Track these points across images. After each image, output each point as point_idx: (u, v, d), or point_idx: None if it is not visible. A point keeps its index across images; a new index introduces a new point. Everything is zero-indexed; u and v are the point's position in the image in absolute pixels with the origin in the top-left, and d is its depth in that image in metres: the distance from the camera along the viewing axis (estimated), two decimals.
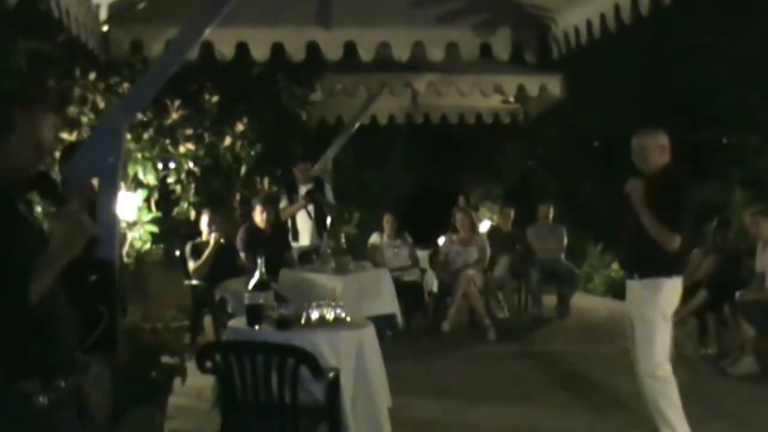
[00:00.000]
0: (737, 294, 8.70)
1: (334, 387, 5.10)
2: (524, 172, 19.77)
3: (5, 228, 2.82)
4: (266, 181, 11.08)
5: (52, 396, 2.77)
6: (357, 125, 13.12)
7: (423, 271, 10.91)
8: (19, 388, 2.70)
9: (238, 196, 11.02)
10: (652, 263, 5.81)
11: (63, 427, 2.79)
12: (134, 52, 7.81)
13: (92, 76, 9.09)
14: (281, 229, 10.06)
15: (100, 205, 5.51)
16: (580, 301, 12.52)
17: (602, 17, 6.94)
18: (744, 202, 12.88)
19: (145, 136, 9.60)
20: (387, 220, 10.81)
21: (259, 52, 7.90)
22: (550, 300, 12.00)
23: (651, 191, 5.74)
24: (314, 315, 5.64)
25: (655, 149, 5.87)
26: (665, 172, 5.86)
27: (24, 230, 2.89)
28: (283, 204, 10.40)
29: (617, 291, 12.70)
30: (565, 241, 12.22)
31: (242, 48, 7.87)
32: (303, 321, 5.58)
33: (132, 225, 9.19)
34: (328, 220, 10.69)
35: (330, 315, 5.68)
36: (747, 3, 14.15)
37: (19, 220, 2.91)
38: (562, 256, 12.18)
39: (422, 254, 11.28)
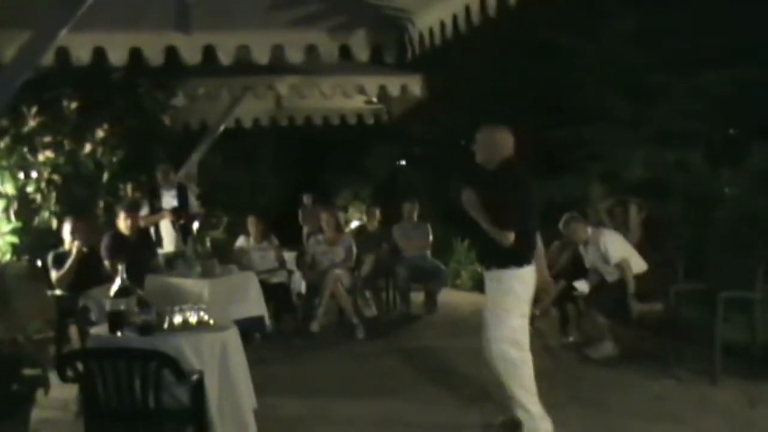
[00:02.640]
0: (578, 287, 9.17)
1: (198, 390, 5.14)
2: (392, 172, 20.05)
3: None
4: (129, 187, 10.96)
5: None
6: (221, 129, 13.10)
7: (290, 273, 10.97)
8: None
9: (101, 204, 10.86)
10: (495, 256, 6.05)
11: None
12: None
13: None
14: (146, 236, 9.99)
15: None
16: (448, 296, 12.76)
17: (454, 18, 7.15)
18: (601, 196, 13.39)
19: (1, 144, 9.38)
20: (252, 223, 10.82)
21: (117, 56, 7.84)
22: (418, 297, 12.18)
23: (491, 186, 5.97)
24: (177, 319, 5.66)
25: (495, 143, 6.10)
26: (504, 166, 6.07)
27: None
28: (144, 211, 10.33)
29: (483, 286, 13.02)
30: (431, 238, 12.39)
31: (100, 53, 7.80)
32: (166, 325, 5.60)
33: None
34: (194, 225, 10.67)
35: (193, 318, 5.71)
36: (601, 2, 14.69)
37: None
38: (428, 253, 12.35)
39: (290, 256, 11.33)
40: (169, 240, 10.43)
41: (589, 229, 9.11)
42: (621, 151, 14.35)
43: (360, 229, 13.49)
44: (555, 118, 14.81)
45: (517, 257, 6.02)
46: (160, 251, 10.21)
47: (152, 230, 10.39)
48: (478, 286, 13.54)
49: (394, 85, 10.92)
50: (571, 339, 9.54)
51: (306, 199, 15.79)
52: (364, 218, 14.49)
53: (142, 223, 10.05)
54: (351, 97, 11.87)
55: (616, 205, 9.94)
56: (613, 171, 14.24)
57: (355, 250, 10.98)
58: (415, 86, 11.00)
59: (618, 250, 8.78)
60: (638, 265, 8.77)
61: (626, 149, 14.27)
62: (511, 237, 5.86)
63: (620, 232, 9.26)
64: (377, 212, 13.09)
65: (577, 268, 9.52)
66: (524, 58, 16.39)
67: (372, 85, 11.03)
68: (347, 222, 16.06)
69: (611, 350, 8.74)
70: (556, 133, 14.30)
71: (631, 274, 8.61)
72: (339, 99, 11.93)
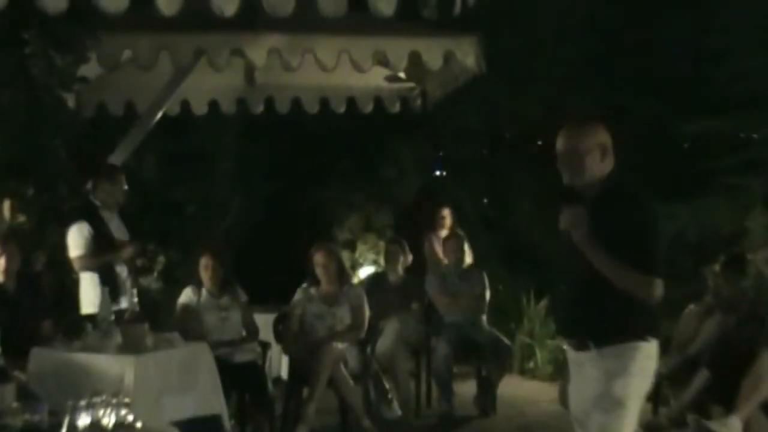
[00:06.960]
0: None
1: None
2: (426, 188, 19.98)
3: None
4: (7, 204, 10.96)
5: None
6: (158, 116, 13.06)
7: (265, 347, 10.89)
8: None
9: None
10: (615, 324, 5.89)
11: None
12: None
13: None
14: (32, 284, 9.94)
15: None
16: (514, 387, 12.78)
17: None
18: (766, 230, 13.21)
19: None
20: (206, 266, 10.73)
21: None
22: (466, 388, 12.13)
23: (592, 217, 5.84)
24: (82, 420, 5.59)
25: (592, 153, 5.96)
26: (611, 185, 5.97)
27: None
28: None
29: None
30: (488, 293, 12.34)
31: None
32: (64, 430, 5.52)
33: None
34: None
35: (108, 419, 5.63)
36: None
37: None
38: (484, 318, 12.31)
39: (264, 319, 11.26)
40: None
41: None
42: None
43: (376, 279, 13.39)
44: (687, 103, 14.71)
45: (653, 323, 5.99)
46: None
47: None
48: (562, 371, 13.48)
49: (434, 52, 10.89)
50: None
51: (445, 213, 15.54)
52: (382, 261, 14.44)
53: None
54: (365, 71, 11.80)
55: None
56: None
57: (367, 311, 10.91)
58: (467, 55, 10.95)
59: None
60: None
61: None
62: (659, 287, 5.77)
63: None
64: (403, 252, 12.97)
65: (729, 350, 9.34)
66: (637, 9, 16.32)
67: (399, 53, 10.99)
68: (355, 267, 16.00)
69: None
70: (688, 128, 14.21)
71: None
72: (346, 73, 11.89)
